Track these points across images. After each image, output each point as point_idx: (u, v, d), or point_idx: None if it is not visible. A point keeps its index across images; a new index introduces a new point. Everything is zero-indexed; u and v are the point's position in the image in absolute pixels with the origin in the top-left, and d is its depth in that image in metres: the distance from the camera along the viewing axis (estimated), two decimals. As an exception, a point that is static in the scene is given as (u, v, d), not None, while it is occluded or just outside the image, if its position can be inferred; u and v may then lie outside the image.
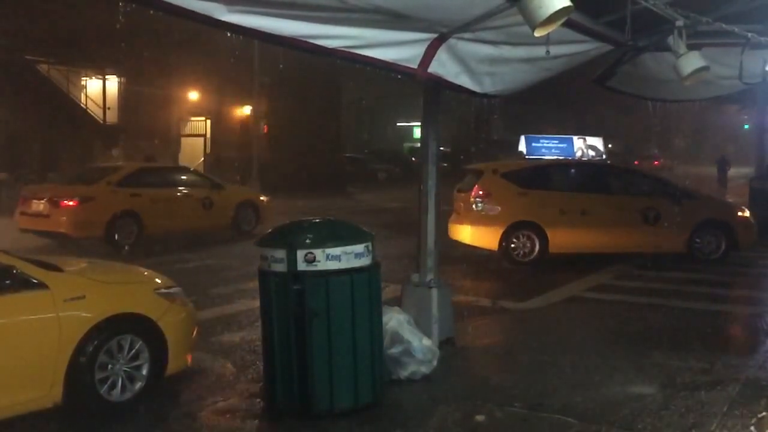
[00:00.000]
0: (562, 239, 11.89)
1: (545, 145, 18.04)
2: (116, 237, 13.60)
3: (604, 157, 18.96)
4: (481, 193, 12.16)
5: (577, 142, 18.97)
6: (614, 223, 12.01)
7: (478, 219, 12.15)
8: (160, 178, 15.30)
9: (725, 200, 14.31)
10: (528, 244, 11.92)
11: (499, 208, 12.06)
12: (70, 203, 13.41)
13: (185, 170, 17.55)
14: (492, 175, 12.54)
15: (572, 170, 13.81)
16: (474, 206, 12.16)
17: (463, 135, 41.26)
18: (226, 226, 15.45)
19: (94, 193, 13.76)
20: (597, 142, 19.54)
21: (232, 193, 16.25)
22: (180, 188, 15.17)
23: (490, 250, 12.20)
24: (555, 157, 16.40)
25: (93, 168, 16.69)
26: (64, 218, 13.32)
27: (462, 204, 12.49)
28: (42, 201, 13.59)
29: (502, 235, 11.87)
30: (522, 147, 17.90)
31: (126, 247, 13.49)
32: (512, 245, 11.93)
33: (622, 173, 14.18)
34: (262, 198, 16.74)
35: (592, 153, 19.07)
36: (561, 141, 18.53)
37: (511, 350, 7.20)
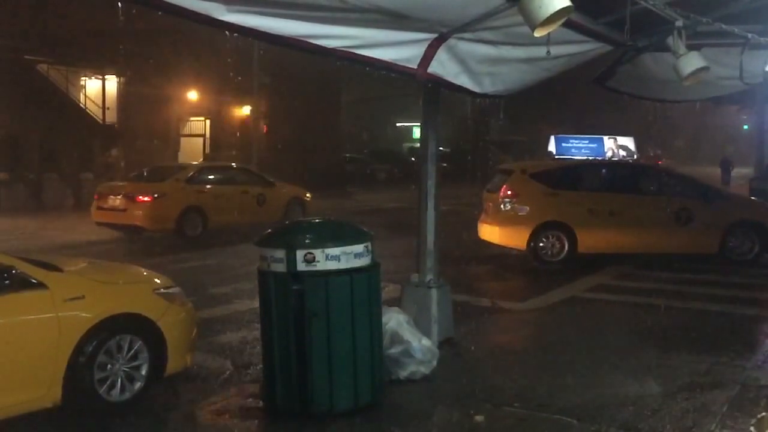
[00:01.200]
0: (591, 239, 11.88)
1: (575, 145, 18.01)
2: (185, 230, 14.96)
3: (635, 157, 18.87)
4: (509, 193, 12.21)
5: (608, 142, 18.92)
6: (645, 223, 11.96)
7: (507, 219, 12.20)
8: (221, 176, 16.58)
9: (760, 201, 14.13)
10: (557, 244, 11.94)
11: (528, 208, 12.11)
12: (146, 199, 14.66)
13: (243, 169, 18.59)
14: (520, 176, 12.61)
15: (602, 170, 13.77)
16: (502, 206, 12.22)
17: (463, 135, 41.22)
18: (277, 220, 15.96)
19: (166, 189, 15.03)
20: (628, 142, 19.43)
21: (281, 190, 17.46)
22: (238, 186, 16.37)
23: (518, 250, 12.26)
24: (584, 157, 16.34)
25: (160, 167, 17.86)
26: (140, 212, 14.59)
27: (491, 204, 12.56)
28: (118, 197, 14.84)
29: (530, 235, 11.90)
30: (551, 147, 17.88)
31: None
32: (541, 245, 11.94)
33: (653, 173, 14.07)
34: (307, 195, 18.06)
35: (623, 153, 19.03)
36: (591, 141, 18.47)
37: (511, 350, 7.20)
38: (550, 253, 11.97)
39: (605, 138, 19.20)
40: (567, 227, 11.91)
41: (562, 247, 11.91)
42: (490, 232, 12.49)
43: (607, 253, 12.05)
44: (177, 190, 15.16)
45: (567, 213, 11.96)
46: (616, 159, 17.38)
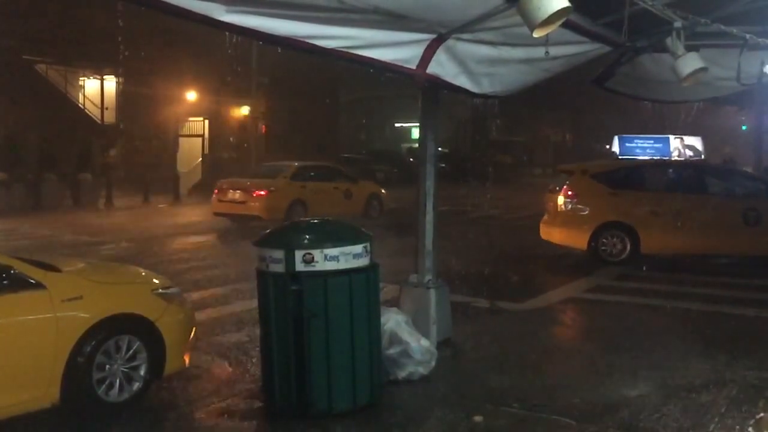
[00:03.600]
0: (654, 240, 11.82)
1: (639, 145, 17.84)
2: (292, 219, 16.30)
3: (702, 156, 18.66)
4: (570, 193, 12.26)
5: (674, 142, 18.73)
6: (711, 224, 11.71)
7: (567, 219, 12.26)
8: (317, 174, 18.92)
9: None
10: (618, 245, 11.91)
11: (588, 209, 12.16)
12: (262, 193, 17.23)
13: (333, 168, 21.00)
14: (581, 176, 12.63)
15: (666, 170, 13.61)
16: (563, 207, 12.25)
17: (461, 136, 41.24)
18: (359, 213, 18.44)
19: (277, 185, 17.57)
20: (696, 141, 19.23)
21: (363, 186, 19.89)
22: (330, 182, 18.76)
23: (579, 250, 12.29)
24: (648, 157, 16.16)
25: (266, 165, 20.51)
26: (257, 204, 17.12)
27: (552, 204, 12.60)
28: (238, 191, 17.45)
29: (591, 236, 11.91)
30: (614, 147, 17.77)
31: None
32: (602, 246, 11.93)
33: (720, 173, 13.84)
34: (382, 191, 20.30)
35: (690, 153, 18.87)
36: (656, 141, 18.28)
37: (510, 351, 7.20)
38: (611, 253, 11.94)
39: (671, 137, 19.04)
40: (629, 228, 11.85)
41: (624, 248, 11.88)
42: (551, 233, 12.56)
43: (671, 254, 11.98)
44: (285, 186, 17.66)
45: (629, 213, 11.92)
46: (681, 159, 17.15)
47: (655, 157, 16.40)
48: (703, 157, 18.34)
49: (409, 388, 5.97)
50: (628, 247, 11.85)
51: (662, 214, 11.90)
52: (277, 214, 16.62)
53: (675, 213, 11.81)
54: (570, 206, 12.26)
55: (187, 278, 10.59)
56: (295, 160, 27.49)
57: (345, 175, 19.97)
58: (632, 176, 12.85)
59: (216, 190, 18.17)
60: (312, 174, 18.78)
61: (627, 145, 17.66)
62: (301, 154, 29.61)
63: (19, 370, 4.94)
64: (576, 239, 12.22)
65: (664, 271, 11.42)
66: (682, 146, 18.97)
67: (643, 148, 17.67)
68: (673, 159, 16.84)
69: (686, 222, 11.75)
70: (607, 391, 5.95)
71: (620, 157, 16.55)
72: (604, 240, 11.95)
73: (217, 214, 17.98)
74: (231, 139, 31.47)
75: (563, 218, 12.35)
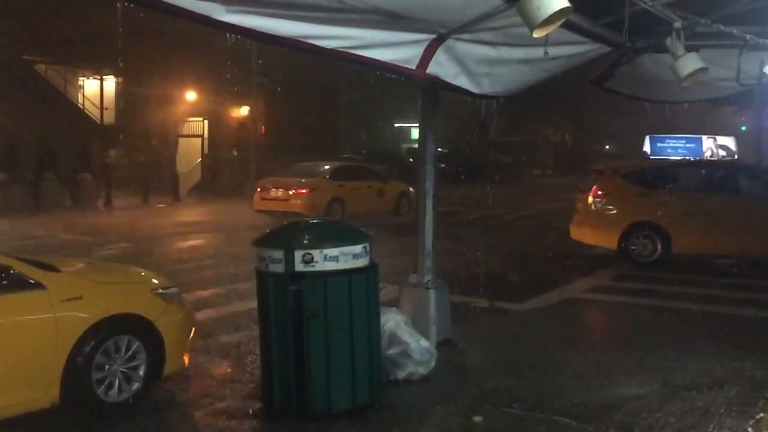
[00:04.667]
0: (685, 241, 11.73)
1: (671, 145, 17.70)
2: (330, 215, 17.69)
3: (735, 156, 18.45)
4: (599, 193, 12.20)
5: (707, 142, 18.57)
6: (744, 225, 11.55)
7: (597, 219, 12.21)
8: (353, 174, 20.04)
9: None
10: (649, 245, 11.84)
11: (618, 209, 12.09)
12: (303, 191, 18.36)
13: (366, 168, 22.20)
14: (611, 176, 12.57)
15: (697, 170, 13.42)
16: (593, 206, 12.19)
17: (461, 136, 41.22)
18: (390, 211, 19.76)
19: (317, 184, 18.66)
20: (729, 141, 19.06)
21: (394, 185, 20.88)
22: (364, 181, 19.78)
23: (609, 250, 12.23)
24: (679, 157, 16.02)
25: (307, 165, 20.76)
26: (299, 201, 18.18)
27: (582, 204, 12.54)
28: (280, 189, 18.60)
29: (621, 236, 11.84)
30: (646, 147, 17.65)
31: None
32: (632, 246, 11.87)
33: (754, 173, 13.59)
34: (410, 189, 20.37)
35: (722, 153, 18.70)
36: (689, 141, 18.13)
37: (509, 351, 7.19)
38: (641, 254, 11.87)
39: (704, 138, 18.89)
40: (660, 228, 11.77)
41: (655, 248, 11.80)
42: (581, 232, 12.51)
43: (703, 255, 11.88)
44: (325, 185, 18.74)
45: (660, 213, 11.82)
46: (714, 158, 16.98)
47: (687, 157, 16.22)
48: (736, 156, 18.17)
49: (408, 389, 5.97)
50: (659, 247, 11.75)
51: (694, 215, 11.76)
52: (317, 211, 17.69)
53: (707, 213, 11.69)
54: (600, 206, 12.18)
55: (186, 278, 10.59)
56: (295, 160, 27.67)
57: (377, 174, 20.96)
58: (664, 176, 12.71)
59: (258, 189, 19.18)
60: (348, 173, 19.85)
61: (658, 144, 17.54)
62: (301, 154, 29.61)
63: (19, 370, 4.94)
64: (606, 239, 12.12)
65: (663, 272, 11.42)
66: (715, 146, 18.83)
67: (674, 148, 17.54)
68: (705, 159, 16.66)
69: (718, 223, 11.62)
70: (607, 391, 5.95)
71: (651, 156, 16.41)
72: (634, 240, 11.84)
73: (259, 211, 18.81)
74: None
75: (593, 218, 12.26)
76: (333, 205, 18.52)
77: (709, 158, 16.93)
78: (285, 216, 17.39)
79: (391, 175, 21.98)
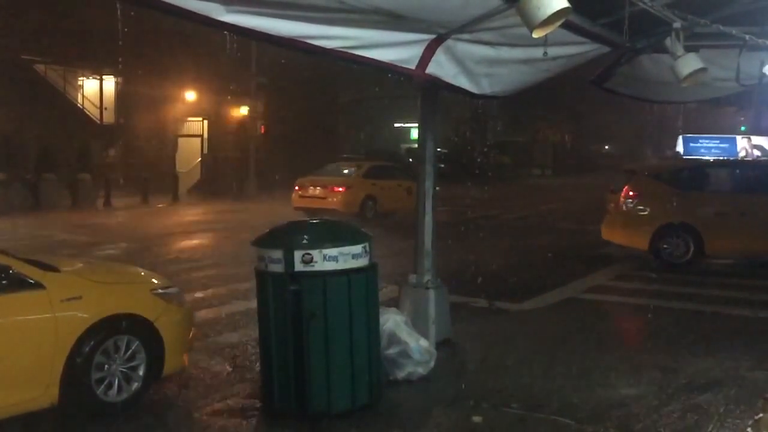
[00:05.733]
0: (719, 242, 11.67)
1: (704, 145, 17.48)
2: (365, 212, 19.29)
3: None
4: (631, 193, 12.15)
5: (741, 142, 18.35)
6: None
7: (629, 219, 12.16)
8: (384, 173, 20.71)
9: None
10: (681, 246, 11.76)
11: (650, 209, 12.03)
12: (340, 189, 19.33)
13: (396, 167, 23.02)
14: (643, 176, 12.55)
15: (731, 170, 13.19)
16: (624, 206, 12.14)
17: (461, 136, 41.22)
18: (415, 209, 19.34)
19: (352, 182, 19.60)
20: (764, 141, 18.87)
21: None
22: (394, 180, 20.41)
23: (640, 251, 12.17)
24: (713, 158, 15.86)
25: (342, 164, 21.92)
26: (336, 199, 19.22)
27: (613, 204, 12.50)
28: (318, 188, 19.60)
29: (652, 236, 11.79)
30: (678, 147, 17.49)
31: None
32: (664, 246, 11.81)
33: None
34: (436, 188, 20.21)
35: (757, 153, 18.52)
36: (723, 141, 17.90)
37: (509, 351, 7.20)
38: (673, 255, 11.81)
39: (738, 137, 18.71)
40: (693, 229, 11.68)
41: (687, 249, 11.72)
42: (612, 232, 12.47)
43: (737, 257, 11.81)
44: (360, 183, 19.63)
45: (693, 214, 11.73)
46: (749, 159, 16.78)
47: (721, 157, 16.05)
48: None
49: (408, 389, 5.97)
50: (692, 248, 11.67)
51: (728, 216, 11.67)
52: (353, 208, 18.89)
53: (741, 215, 11.59)
54: (631, 206, 12.11)
55: (186, 278, 10.59)
56: (294, 160, 27.88)
57: (406, 173, 21.47)
58: (697, 176, 12.57)
59: (297, 187, 20.07)
60: (380, 172, 20.60)
61: (691, 144, 17.34)
62: (301, 154, 29.61)
63: (18, 370, 4.94)
64: (637, 240, 12.05)
65: (662, 272, 11.42)
66: (750, 146, 18.61)
67: (708, 148, 17.33)
68: (740, 159, 16.51)
69: (753, 224, 11.50)
70: (606, 391, 5.95)
71: (684, 156, 16.27)
72: (667, 241, 11.78)
73: (297, 208, 19.61)
74: (234, 134, 31.46)
75: (624, 218, 12.20)
76: (366, 203, 19.45)
77: (743, 158, 16.75)
78: (322, 213, 18.69)
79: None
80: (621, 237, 12.38)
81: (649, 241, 11.83)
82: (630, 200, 12.16)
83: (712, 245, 11.68)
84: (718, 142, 18.06)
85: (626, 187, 12.30)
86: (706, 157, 15.82)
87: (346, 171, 20.59)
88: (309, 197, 19.73)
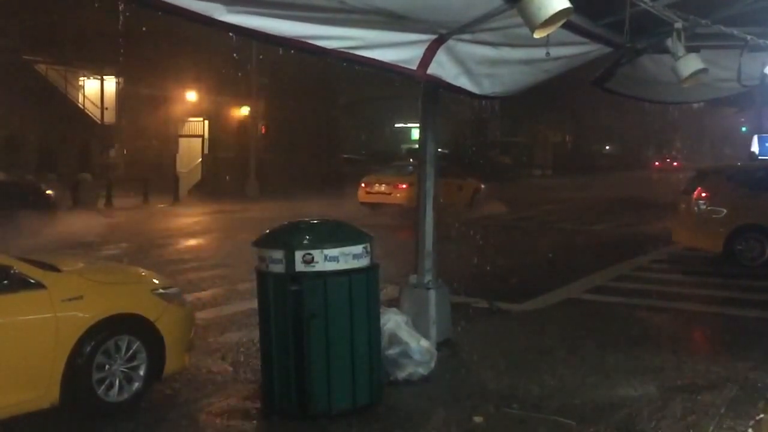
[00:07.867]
0: None
1: None
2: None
3: None
4: (704, 195, 11.98)
5: None
6: None
7: (701, 221, 11.98)
8: (440, 171, 20.24)
9: None
10: (757, 248, 11.60)
11: (724, 211, 11.82)
12: (403, 186, 20.44)
13: (450, 166, 23.46)
14: (716, 177, 12.36)
15: None
16: (696, 208, 11.98)
17: (462, 137, 41.22)
18: (465, 204, 21.80)
19: (413, 180, 19.33)
20: None
21: (470, 182, 23.09)
22: (448, 178, 20.27)
23: (713, 253, 12.01)
24: None
25: (401, 164, 23.93)
26: (400, 195, 20.49)
27: (685, 205, 12.34)
28: (383, 185, 21.13)
29: (727, 238, 11.60)
30: (754, 147, 17.26)
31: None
32: (739, 248, 11.64)
33: None
34: (482, 186, 23.28)
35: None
36: None
37: (509, 352, 7.19)
38: (749, 257, 11.64)
39: None
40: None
41: (763, 251, 11.55)
42: (683, 234, 12.33)
43: None
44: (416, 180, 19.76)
45: None
46: None
47: None
48: None
49: (408, 389, 5.96)
50: (767, 251, 11.54)
51: None
52: (415, 203, 19.02)
53: None
54: (704, 208, 11.91)
55: (186, 278, 10.60)
56: (295, 160, 27.96)
57: (456, 173, 22.93)
58: None
59: (363, 184, 21.72)
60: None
61: (767, 144, 17.07)
62: (302, 154, 29.66)
63: (19, 370, 4.94)
64: (710, 242, 11.88)
65: (662, 272, 11.42)
66: None
67: None
68: None
69: None
70: (607, 392, 5.94)
71: (760, 157, 16.07)
72: (741, 243, 11.62)
73: (363, 203, 21.26)
74: (235, 134, 31.49)
75: (696, 220, 12.03)
76: None
77: None
78: (386, 208, 20.73)
79: (467, 174, 24.18)
80: (693, 239, 12.19)
81: (723, 243, 11.61)
82: (703, 202, 11.94)
83: None
84: None
85: (699, 188, 12.10)
86: None
87: (407, 170, 21.63)
88: (375, 193, 21.27)
